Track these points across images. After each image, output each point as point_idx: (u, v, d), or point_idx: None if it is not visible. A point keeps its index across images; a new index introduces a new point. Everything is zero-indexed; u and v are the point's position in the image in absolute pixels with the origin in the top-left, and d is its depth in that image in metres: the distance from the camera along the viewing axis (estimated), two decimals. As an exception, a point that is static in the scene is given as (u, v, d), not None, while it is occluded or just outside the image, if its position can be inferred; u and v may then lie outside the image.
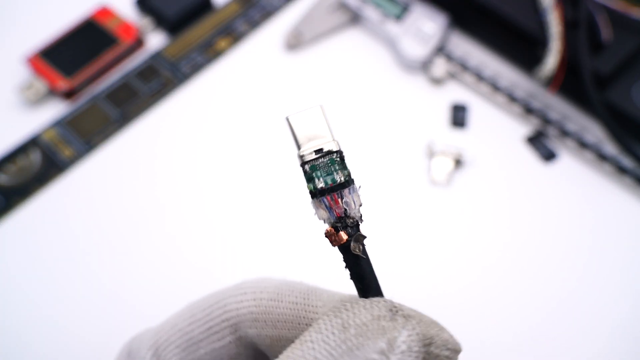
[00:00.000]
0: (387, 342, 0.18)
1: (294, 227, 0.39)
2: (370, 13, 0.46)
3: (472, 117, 0.43)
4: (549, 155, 0.41)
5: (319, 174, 0.19)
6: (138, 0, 0.49)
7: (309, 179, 0.20)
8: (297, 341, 0.19)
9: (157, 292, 0.37)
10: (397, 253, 0.38)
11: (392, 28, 0.46)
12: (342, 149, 0.20)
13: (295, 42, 0.47)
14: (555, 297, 0.36)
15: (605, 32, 0.41)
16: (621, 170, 0.40)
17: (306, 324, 0.21)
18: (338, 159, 0.20)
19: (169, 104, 0.45)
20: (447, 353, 0.21)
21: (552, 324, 0.36)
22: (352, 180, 0.20)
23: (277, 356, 0.19)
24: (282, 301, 0.22)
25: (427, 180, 0.41)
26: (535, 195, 0.40)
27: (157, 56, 0.47)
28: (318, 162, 0.20)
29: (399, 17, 0.46)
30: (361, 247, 0.20)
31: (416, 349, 0.18)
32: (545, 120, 0.42)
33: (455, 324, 0.36)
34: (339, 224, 0.20)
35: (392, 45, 0.46)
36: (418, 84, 0.45)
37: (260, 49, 0.47)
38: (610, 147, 0.40)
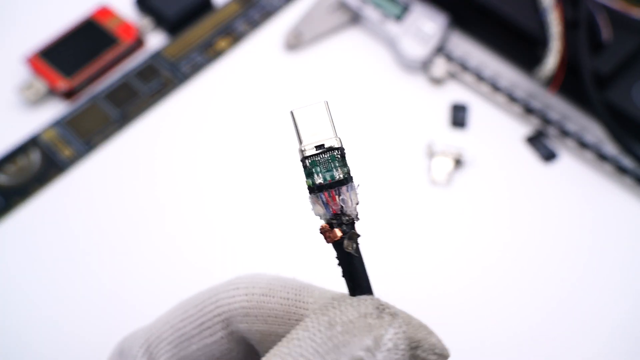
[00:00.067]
0: (373, 340, 0.18)
1: (293, 226, 0.39)
2: (370, 13, 0.46)
3: (472, 117, 0.43)
4: (549, 155, 0.41)
5: (318, 169, 0.20)
6: (138, 0, 0.49)
7: (309, 174, 0.20)
8: (284, 339, 0.19)
9: (157, 292, 0.37)
10: (397, 253, 0.38)
11: (392, 28, 0.46)
12: (344, 146, 0.20)
13: (295, 42, 0.47)
14: (555, 297, 0.36)
15: (605, 32, 0.41)
16: (621, 170, 0.40)
17: (297, 320, 0.21)
18: (339, 155, 0.20)
19: (169, 104, 0.45)
20: (434, 358, 0.20)
21: (552, 324, 0.36)
22: (351, 178, 0.20)
23: (266, 352, 0.19)
24: (273, 296, 0.22)
25: (427, 180, 0.41)
26: (535, 195, 0.40)
27: (157, 56, 0.47)
28: (318, 158, 0.20)
29: (399, 17, 0.46)
30: (354, 246, 0.20)
31: (402, 347, 0.18)
32: (545, 120, 0.42)
33: (455, 324, 0.36)
34: (334, 221, 0.20)
35: (392, 45, 0.46)
36: (418, 84, 0.45)
37: (260, 49, 0.47)
38: (610, 147, 0.40)
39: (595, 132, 0.41)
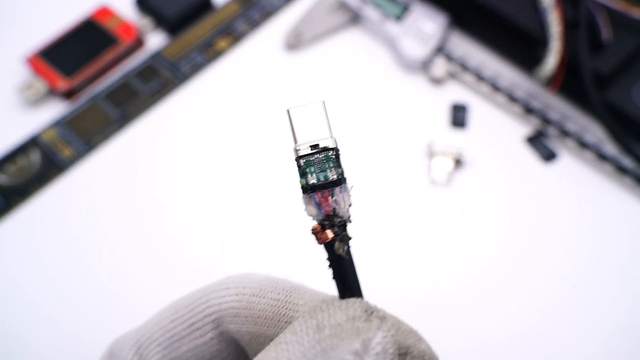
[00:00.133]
0: (361, 343, 0.17)
1: (293, 224, 0.39)
2: (370, 13, 0.46)
3: (472, 117, 0.43)
4: (549, 155, 0.41)
5: (312, 169, 0.19)
6: (138, 0, 0.49)
7: (302, 173, 0.19)
8: (272, 343, 0.18)
9: (156, 292, 0.37)
10: (397, 253, 0.38)
11: (392, 28, 0.46)
12: (339, 147, 0.20)
13: (295, 42, 0.47)
14: (555, 297, 0.36)
15: (605, 32, 0.41)
16: (621, 170, 0.40)
17: (286, 322, 0.21)
18: (333, 156, 0.20)
19: (169, 104, 0.45)
20: None
21: (552, 324, 0.36)
22: (345, 179, 0.20)
23: (255, 354, 0.18)
24: (264, 297, 0.22)
25: (427, 180, 0.41)
26: (535, 195, 0.40)
27: (157, 56, 0.47)
28: (313, 158, 0.19)
29: (399, 17, 0.46)
30: (345, 248, 0.19)
31: (391, 350, 0.18)
32: (545, 120, 0.42)
33: (455, 324, 0.36)
34: (326, 222, 0.19)
35: (392, 45, 0.46)
36: (418, 84, 0.45)
37: (260, 49, 0.47)
38: (610, 147, 0.40)
39: (595, 132, 0.41)
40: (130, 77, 0.46)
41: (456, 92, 0.44)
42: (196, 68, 0.47)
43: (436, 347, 0.35)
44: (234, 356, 0.23)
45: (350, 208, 0.20)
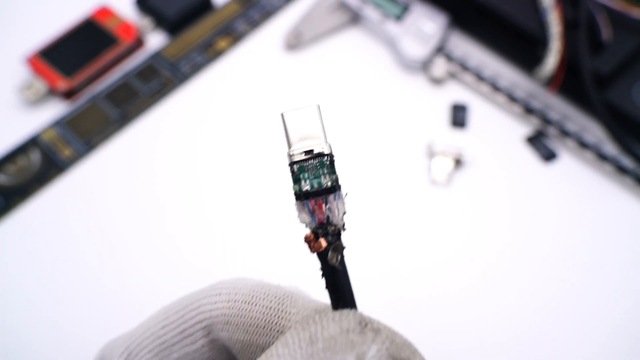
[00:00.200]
0: (355, 357, 0.17)
1: (293, 224, 0.39)
2: (370, 13, 0.46)
3: (472, 117, 0.43)
4: (549, 155, 0.41)
5: (306, 175, 0.19)
6: (138, 0, 0.49)
7: (296, 179, 0.19)
8: (263, 355, 0.18)
9: (157, 292, 0.37)
10: (397, 253, 0.38)
11: (392, 28, 0.46)
12: (333, 153, 0.19)
13: (295, 42, 0.47)
14: (555, 297, 0.36)
15: (605, 32, 0.41)
16: (621, 170, 0.40)
17: (278, 331, 0.21)
18: (328, 162, 0.19)
19: (169, 104, 0.45)
20: None
21: (552, 324, 0.36)
22: (339, 187, 0.19)
23: None
24: (255, 304, 0.21)
25: (427, 180, 0.41)
26: (535, 195, 0.40)
27: (157, 56, 0.47)
28: (307, 164, 0.19)
29: (399, 17, 0.46)
30: (339, 257, 0.19)
31: None
32: (545, 120, 0.42)
33: (455, 324, 0.36)
34: (319, 230, 0.19)
35: (392, 45, 0.46)
36: (418, 84, 0.45)
37: (260, 49, 0.47)
38: (610, 147, 0.40)
39: (595, 132, 0.41)
40: (130, 77, 0.46)
41: (456, 92, 0.44)
42: (196, 68, 0.47)
43: (436, 347, 0.35)
44: None
45: (345, 216, 0.19)
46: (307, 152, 0.19)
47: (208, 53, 0.47)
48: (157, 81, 0.46)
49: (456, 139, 0.42)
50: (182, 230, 0.40)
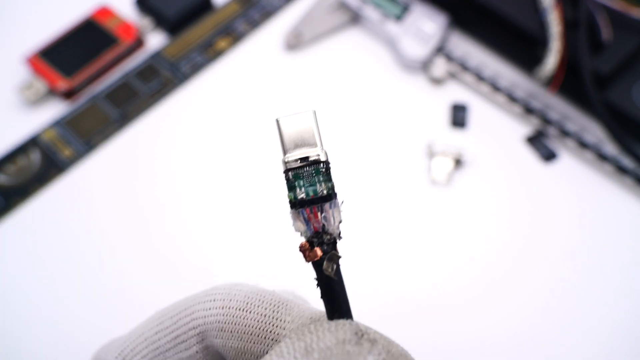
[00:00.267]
0: None
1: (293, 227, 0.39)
2: (370, 13, 0.46)
3: (472, 117, 0.43)
4: (549, 155, 0.41)
5: (301, 183, 0.18)
6: (138, 0, 0.49)
7: (291, 187, 0.19)
8: None
9: (157, 293, 0.37)
10: (397, 253, 0.38)
11: (392, 28, 0.46)
12: (329, 160, 0.19)
13: (295, 42, 0.47)
14: (555, 297, 0.36)
15: (605, 32, 0.41)
16: (621, 170, 0.40)
17: (272, 339, 0.20)
18: (323, 169, 0.18)
19: (169, 104, 0.45)
20: None
21: (552, 324, 0.36)
22: (335, 195, 0.19)
23: None
24: (250, 312, 0.21)
25: (427, 180, 0.41)
26: (535, 195, 0.40)
27: (157, 56, 0.47)
28: (302, 171, 0.18)
29: (399, 17, 0.46)
30: (334, 267, 0.19)
31: None
32: (545, 120, 0.42)
33: (455, 324, 0.36)
34: (315, 239, 0.19)
35: (392, 45, 0.46)
36: (418, 84, 0.45)
37: (260, 49, 0.47)
38: (610, 147, 0.40)
39: (595, 132, 0.41)
40: (130, 77, 0.46)
41: (456, 92, 0.44)
42: (196, 68, 0.47)
43: (436, 347, 0.35)
44: None
45: (341, 225, 0.19)
46: (302, 159, 0.19)
47: (208, 53, 0.47)
48: (157, 81, 0.46)
49: (456, 139, 0.42)
50: (182, 230, 0.40)
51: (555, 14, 0.40)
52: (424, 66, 0.45)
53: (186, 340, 0.22)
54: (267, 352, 0.19)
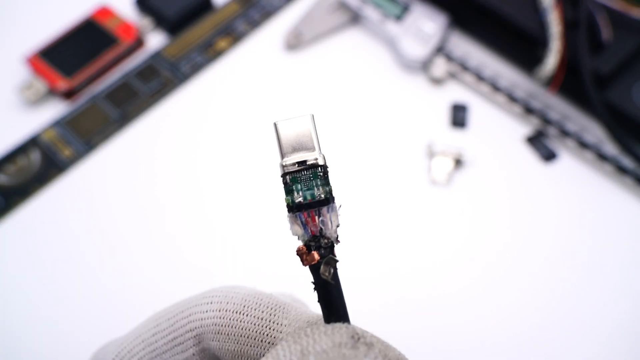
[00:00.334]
0: None
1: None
2: (370, 13, 0.46)
3: (472, 117, 0.43)
4: (549, 155, 0.41)
5: (299, 187, 0.18)
6: (138, 0, 0.49)
7: (288, 191, 0.19)
8: None
9: (156, 292, 0.37)
10: (397, 253, 0.38)
11: (392, 28, 0.46)
12: (327, 164, 0.19)
13: (295, 42, 0.47)
14: (555, 297, 0.36)
15: (605, 32, 0.41)
16: (621, 170, 0.40)
17: (269, 343, 0.20)
18: (321, 173, 0.19)
19: (169, 104, 0.45)
20: None
21: (552, 324, 0.36)
22: (333, 199, 0.19)
23: None
24: (247, 315, 0.21)
25: (427, 180, 0.41)
26: (535, 195, 0.40)
27: (157, 56, 0.47)
28: (300, 175, 0.19)
29: (399, 17, 0.46)
30: (331, 271, 0.19)
31: None
32: (545, 120, 0.42)
33: (455, 324, 0.36)
34: (312, 243, 0.19)
35: (392, 45, 0.46)
36: (418, 84, 0.45)
37: (260, 49, 0.47)
38: (610, 147, 0.40)
39: (595, 132, 0.41)
40: (130, 77, 0.46)
41: (456, 92, 0.44)
42: (196, 68, 0.47)
43: (436, 347, 0.35)
44: None
45: (338, 229, 0.19)
46: (300, 163, 0.19)
47: (208, 53, 0.47)
48: (157, 81, 0.46)
49: (456, 139, 0.42)
50: (182, 230, 0.40)
51: (555, 14, 0.40)
52: (424, 66, 0.45)
53: (183, 343, 0.22)
54: (263, 355, 0.19)
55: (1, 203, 0.41)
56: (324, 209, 0.19)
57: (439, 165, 0.41)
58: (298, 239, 0.19)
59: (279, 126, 0.19)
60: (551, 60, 0.40)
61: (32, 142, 0.44)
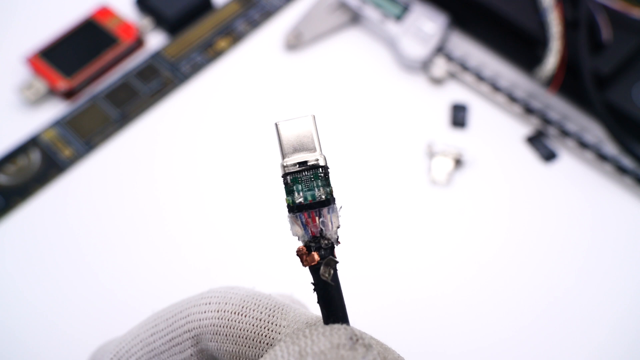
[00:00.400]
0: None
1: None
2: (370, 13, 0.46)
3: (472, 117, 0.43)
4: (549, 155, 0.41)
5: (299, 187, 0.18)
6: (138, 0, 0.49)
7: (289, 191, 0.19)
8: None
9: (156, 293, 0.37)
10: (396, 252, 0.38)
11: (392, 28, 0.46)
12: (328, 165, 0.19)
13: (295, 42, 0.47)
14: (555, 296, 0.36)
15: (605, 32, 0.41)
16: (621, 170, 0.40)
17: (267, 344, 0.20)
18: (322, 174, 0.19)
19: (169, 104, 0.45)
20: None
21: (552, 324, 0.36)
22: (333, 200, 0.19)
23: None
24: (245, 315, 0.21)
25: (427, 180, 0.41)
26: (535, 195, 0.40)
27: (157, 56, 0.47)
28: (301, 175, 0.18)
29: (399, 17, 0.46)
30: (331, 272, 0.19)
31: None
32: (545, 120, 0.42)
33: (454, 324, 0.36)
34: (312, 244, 0.19)
35: (392, 45, 0.46)
36: (418, 84, 0.45)
37: (260, 49, 0.47)
38: (610, 147, 0.40)
39: (595, 132, 0.41)
40: (130, 77, 0.46)
41: (456, 92, 0.44)
42: (196, 68, 0.47)
43: (436, 347, 0.35)
44: None
45: (339, 230, 0.19)
46: (301, 164, 0.19)
47: (208, 53, 0.47)
48: (157, 81, 0.46)
49: (456, 139, 0.42)
50: (181, 230, 0.40)
51: (555, 14, 0.40)
52: (424, 66, 0.45)
53: (181, 343, 0.22)
54: (261, 356, 0.19)
55: (1, 203, 0.41)
56: (325, 210, 0.19)
57: (439, 165, 0.41)
58: (298, 239, 0.19)
59: (280, 127, 0.19)
60: (551, 60, 0.40)
61: (32, 142, 0.44)
